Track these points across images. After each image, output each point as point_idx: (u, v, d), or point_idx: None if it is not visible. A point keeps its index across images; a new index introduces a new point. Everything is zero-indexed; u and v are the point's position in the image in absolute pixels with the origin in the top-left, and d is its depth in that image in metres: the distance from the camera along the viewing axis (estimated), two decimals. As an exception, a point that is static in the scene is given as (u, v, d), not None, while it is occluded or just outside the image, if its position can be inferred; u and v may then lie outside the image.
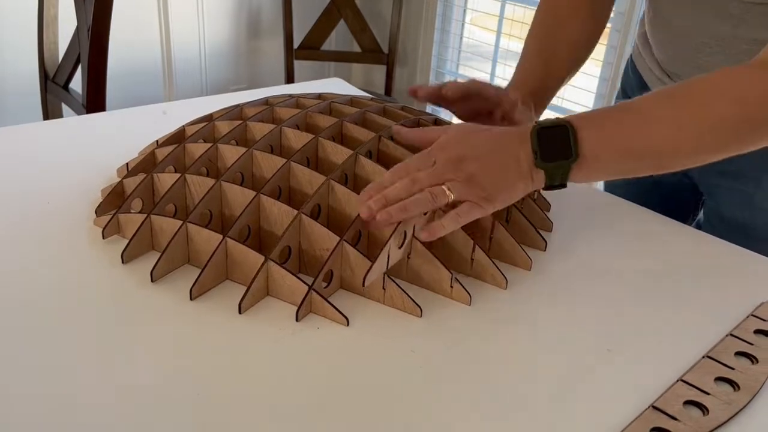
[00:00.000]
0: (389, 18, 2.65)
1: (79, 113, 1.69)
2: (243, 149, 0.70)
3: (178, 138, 0.79)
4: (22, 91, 2.18)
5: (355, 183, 0.70)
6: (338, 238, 0.60)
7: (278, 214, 0.63)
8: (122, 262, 0.64)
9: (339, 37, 2.81)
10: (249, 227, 0.64)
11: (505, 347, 0.58)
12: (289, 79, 2.62)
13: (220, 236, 0.61)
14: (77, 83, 1.72)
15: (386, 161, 0.71)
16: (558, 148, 0.60)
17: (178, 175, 0.68)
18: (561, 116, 0.63)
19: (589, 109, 0.65)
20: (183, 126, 0.82)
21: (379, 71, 2.92)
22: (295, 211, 0.61)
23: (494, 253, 0.68)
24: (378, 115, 0.81)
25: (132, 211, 0.69)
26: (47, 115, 1.95)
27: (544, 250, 0.72)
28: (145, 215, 0.65)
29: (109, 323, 0.57)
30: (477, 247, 0.65)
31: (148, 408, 0.48)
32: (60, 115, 1.91)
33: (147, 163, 0.76)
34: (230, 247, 0.61)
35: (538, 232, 0.72)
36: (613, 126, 0.61)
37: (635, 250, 0.74)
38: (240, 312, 0.58)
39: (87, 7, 1.58)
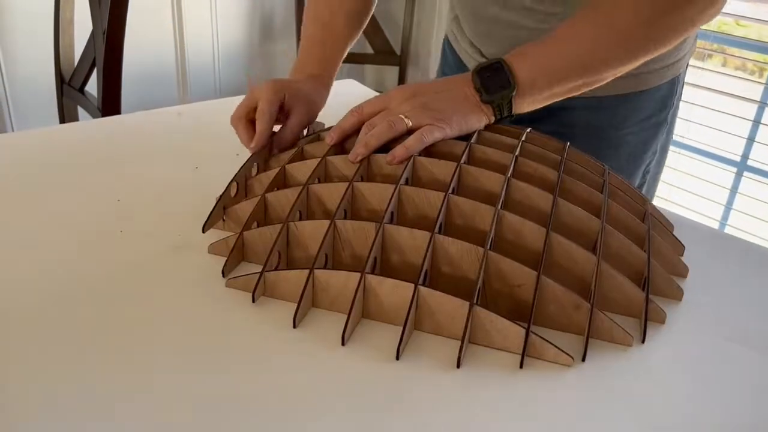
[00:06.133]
0: (401, 19, 2.62)
1: (94, 116, 1.69)
2: (391, 186, 0.64)
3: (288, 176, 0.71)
4: (39, 94, 2.15)
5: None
6: (535, 273, 0.56)
7: (457, 251, 0.59)
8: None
9: (350, 40, 2.77)
10: (427, 271, 0.58)
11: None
12: (304, 84, 2.57)
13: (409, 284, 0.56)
14: (93, 86, 1.73)
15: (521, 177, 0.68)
16: (497, 81, 0.69)
17: (326, 222, 0.62)
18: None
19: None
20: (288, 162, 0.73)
21: (391, 72, 2.88)
22: (477, 247, 0.58)
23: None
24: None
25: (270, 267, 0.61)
26: (63, 119, 1.95)
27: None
28: (308, 271, 0.58)
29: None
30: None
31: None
32: (76, 119, 1.91)
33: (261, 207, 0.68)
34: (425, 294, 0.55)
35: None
36: (539, 52, 0.70)
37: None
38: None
39: (102, 10, 1.58)
